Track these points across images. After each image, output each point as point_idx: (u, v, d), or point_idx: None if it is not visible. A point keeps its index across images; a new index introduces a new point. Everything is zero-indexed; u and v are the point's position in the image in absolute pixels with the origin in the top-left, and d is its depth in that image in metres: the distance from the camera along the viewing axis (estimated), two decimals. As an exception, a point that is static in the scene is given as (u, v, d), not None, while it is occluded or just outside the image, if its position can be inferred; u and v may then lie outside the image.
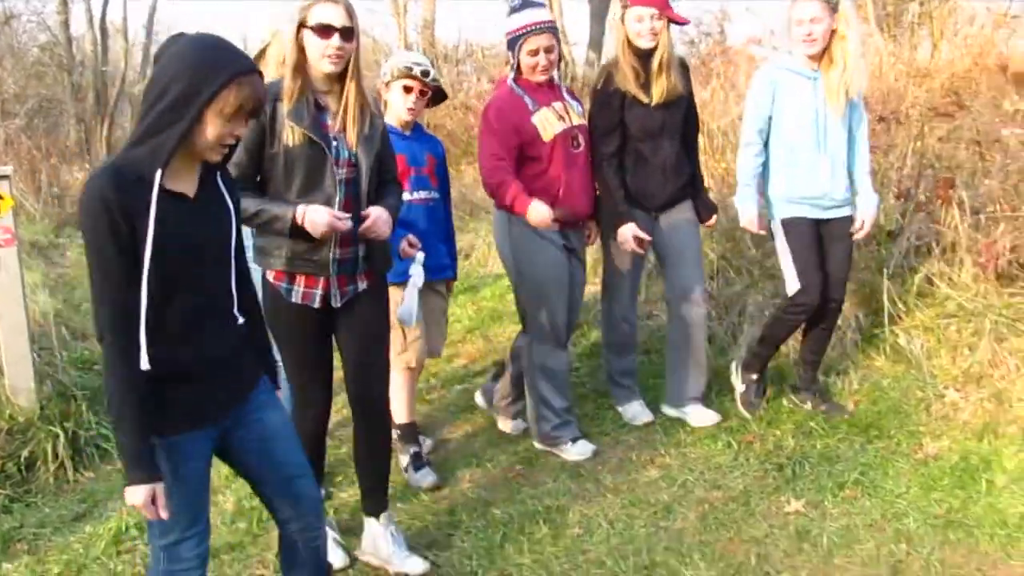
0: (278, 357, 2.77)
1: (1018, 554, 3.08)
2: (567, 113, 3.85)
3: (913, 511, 3.37)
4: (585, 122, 3.96)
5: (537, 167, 3.78)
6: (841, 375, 4.48)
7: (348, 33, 2.81)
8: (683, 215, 4.12)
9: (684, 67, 4.05)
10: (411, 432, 3.89)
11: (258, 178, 2.87)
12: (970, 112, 5.95)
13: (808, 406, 4.21)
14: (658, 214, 4.07)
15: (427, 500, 3.65)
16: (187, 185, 2.10)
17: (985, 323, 4.39)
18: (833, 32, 3.80)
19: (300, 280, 2.92)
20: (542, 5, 3.91)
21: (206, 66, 1.98)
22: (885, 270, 4.74)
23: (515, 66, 3.79)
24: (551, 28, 3.76)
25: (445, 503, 3.63)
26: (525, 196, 3.65)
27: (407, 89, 3.70)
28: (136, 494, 2.02)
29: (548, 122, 3.77)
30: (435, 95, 3.86)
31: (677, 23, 3.95)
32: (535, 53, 3.72)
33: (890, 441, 3.89)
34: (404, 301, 3.35)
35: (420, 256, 3.45)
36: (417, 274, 3.42)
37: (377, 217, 2.85)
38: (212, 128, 2.00)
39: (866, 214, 4.02)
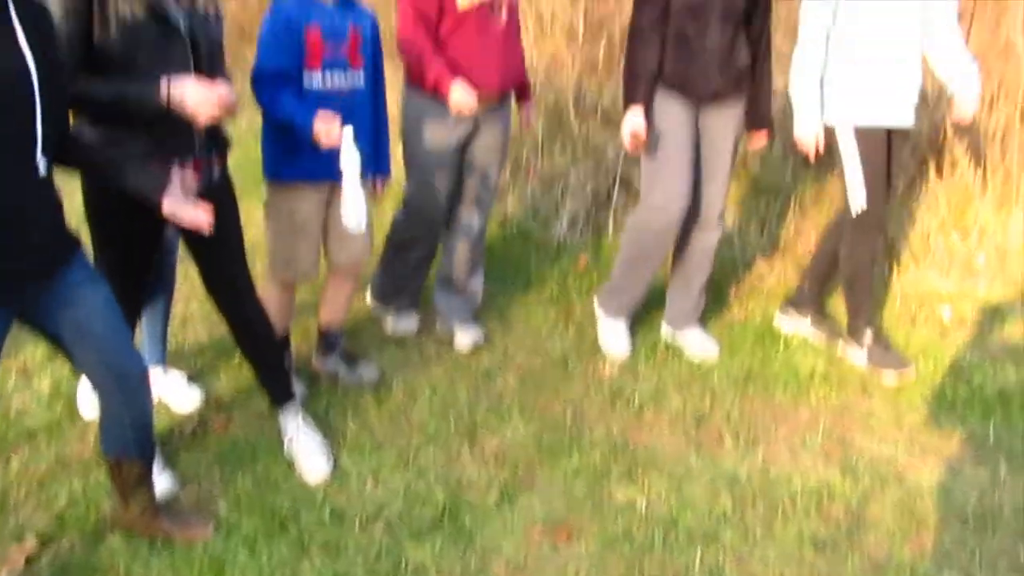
0: None
1: (805, 404, 3.40)
2: None
3: (718, 370, 3.61)
4: None
5: (444, 33, 3.32)
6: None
7: None
8: (725, 118, 3.55)
9: None
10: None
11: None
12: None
13: (808, 327, 3.88)
14: (701, 107, 3.50)
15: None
16: None
17: (791, 198, 4.65)
18: None
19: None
20: None
21: None
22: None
23: None
24: None
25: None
26: (450, 76, 3.23)
27: None
28: None
29: None
30: None
31: None
32: None
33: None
34: (345, 202, 2.81)
35: (348, 132, 2.76)
36: (351, 161, 2.78)
37: (229, 87, 2.42)
38: None
39: (967, 94, 3.45)
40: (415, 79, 3.39)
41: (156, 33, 2.38)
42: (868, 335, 3.65)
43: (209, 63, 2.53)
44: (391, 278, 3.87)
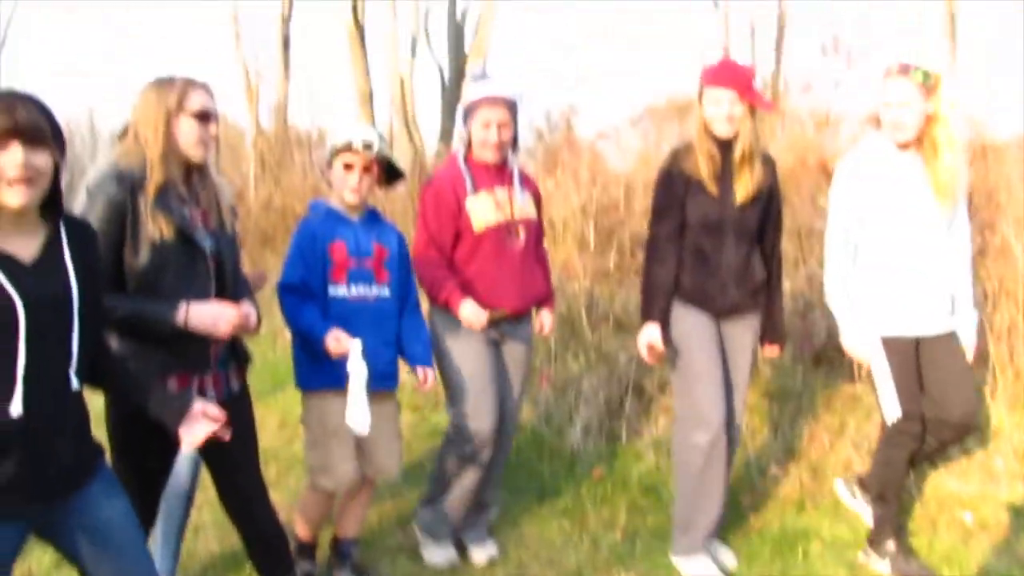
0: None
1: (828, 617, 3.28)
2: (509, 203, 3.53)
3: (736, 581, 3.53)
4: (532, 216, 3.63)
5: (463, 254, 3.50)
6: (670, 455, 4.62)
7: (216, 119, 2.63)
8: (742, 329, 3.61)
9: (768, 161, 3.55)
10: (308, 551, 3.47)
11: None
12: (791, 206, 6.40)
13: (867, 513, 3.72)
14: (720, 320, 3.56)
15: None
16: (21, 246, 1.99)
17: (803, 402, 4.67)
18: (930, 116, 3.34)
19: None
20: (505, 81, 3.60)
21: None
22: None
23: (466, 141, 3.54)
24: (508, 103, 3.49)
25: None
26: (459, 294, 3.39)
27: (347, 166, 3.16)
28: None
29: (483, 211, 3.46)
30: (388, 171, 3.33)
31: (761, 109, 3.47)
32: (487, 126, 3.44)
33: (717, 515, 4.04)
34: (349, 405, 2.96)
35: (356, 344, 2.97)
36: (357, 370, 2.96)
37: (250, 305, 2.65)
38: None
39: (966, 339, 3.53)
40: (432, 299, 3.50)
41: (183, 255, 2.54)
42: (891, 544, 3.56)
43: (233, 279, 2.69)
44: (439, 512, 3.69)
